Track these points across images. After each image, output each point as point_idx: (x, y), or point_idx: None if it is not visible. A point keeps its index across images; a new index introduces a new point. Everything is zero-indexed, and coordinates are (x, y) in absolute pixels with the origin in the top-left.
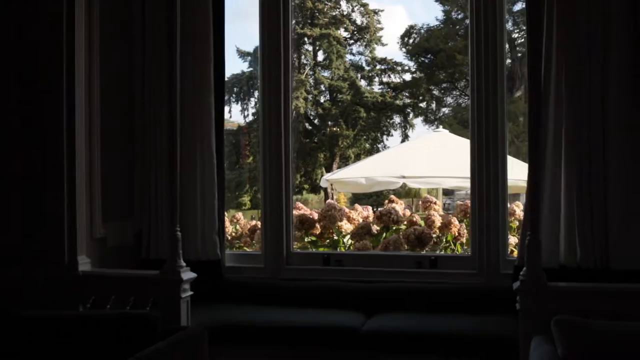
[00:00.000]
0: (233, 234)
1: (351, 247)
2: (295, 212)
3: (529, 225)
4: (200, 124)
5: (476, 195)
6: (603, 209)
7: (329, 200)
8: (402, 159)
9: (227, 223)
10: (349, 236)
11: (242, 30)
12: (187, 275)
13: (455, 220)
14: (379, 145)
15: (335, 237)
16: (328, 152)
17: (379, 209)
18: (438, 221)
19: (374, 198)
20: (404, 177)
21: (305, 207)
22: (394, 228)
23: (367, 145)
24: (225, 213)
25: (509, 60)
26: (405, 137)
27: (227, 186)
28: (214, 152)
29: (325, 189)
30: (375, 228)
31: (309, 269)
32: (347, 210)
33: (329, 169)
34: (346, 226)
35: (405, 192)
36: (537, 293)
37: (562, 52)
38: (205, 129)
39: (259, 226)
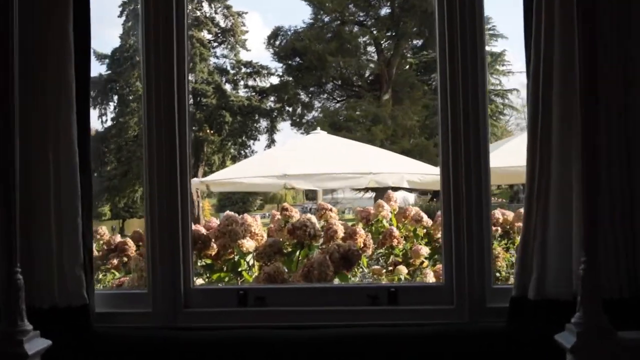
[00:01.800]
0: (96, 252)
1: (255, 271)
2: None
3: (573, 239)
4: (55, 130)
5: (450, 198)
6: None
7: (228, 212)
8: (283, 159)
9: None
10: (251, 257)
11: (98, 33)
12: (36, 345)
13: (360, 229)
14: (246, 151)
15: (237, 259)
16: (193, 157)
17: (292, 222)
18: (340, 231)
19: (240, 205)
20: (286, 175)
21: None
22: (310, 245)
23: (233, 151)
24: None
25: None
26: (272, 142)
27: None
28: (75, 160)
29: (191, 196)
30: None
31: (218, 312)
32: (248, 221)
33: (194, 176)
34: (248, 243)
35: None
36: (603, 351)
37: None
38: (64, 135)
39: (130, 245)
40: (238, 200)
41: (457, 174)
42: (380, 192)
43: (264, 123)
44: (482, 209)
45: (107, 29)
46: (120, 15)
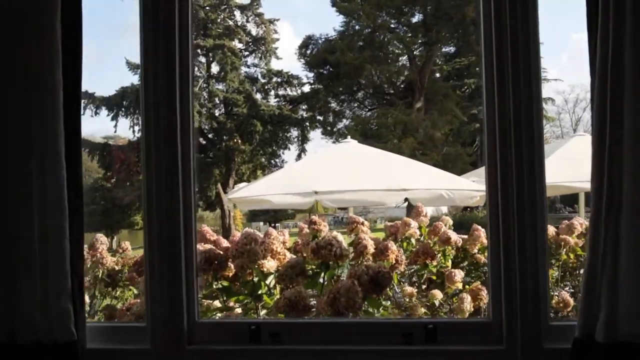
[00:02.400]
0: (115, 267)
1: (277, 293)
2: (200, 246)
3: None
4: (39, 140)
5: (498, 220)
6: None
7: (247, 230)
8: (312, 173)
9: (106, 257)
10: (272, 278)
11: (133, 43)
12: None
13: (392, 245)
14: (277, 160)
15: (256, 280)
16: (224, 167)
17: (316, 240)
18: (371, 247)
19: (271, 214)
20: (316, 192)
21: (210, 231)
22: (336, 265)
23: (264, 160)
24: (101, 243)
25: None
26: (302, 151)
27: (118, 205)
28: (62, 175)
29: (222, 206)
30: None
31: (226, 350)
32: (272, 236)
33: (224, 185)
34: (269, 264)
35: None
36: None
37: None
38: (49, 146)
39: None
40: (269, 210)
41: (506, 193)
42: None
43: (294, 132)
44: (537, 232)
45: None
46: None
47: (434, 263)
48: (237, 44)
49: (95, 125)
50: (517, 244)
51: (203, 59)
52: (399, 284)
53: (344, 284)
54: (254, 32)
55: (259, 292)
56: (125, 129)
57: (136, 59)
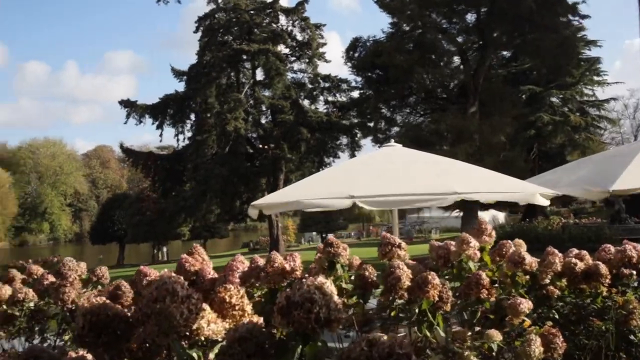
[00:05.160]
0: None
1: None
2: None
3: None
4: None
5: None
6: None
7: (165, 272)
8: (349, 175)
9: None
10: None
11: (178, 55)
12: None
13: (433, 278)
14: (325, 168)
15: None
16: (271, 176)
17: (286, 294)
18: (406, 278)
19: (322, 224)
20: (352, 197)
21: (192, 260)
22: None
23: (314, 170)
24: None
25: None
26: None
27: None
28: None
29: (269, 217)
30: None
31: None
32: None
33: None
34: (212, 328)
35: (354, 216)
36: None
37: None
38: None
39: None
40: (321, 220)
41: None
42: (468, 212)
43: (344, 140)
44: None
45: (187, 44)
46: (195, 31)
47: (492, 299)
48: (283, 49)
49: (141, 134)
50: None
51: (248, 65)
52: (443, 327)
53: None
54: (299, 37)
55: None
56: (170, 138)
57: (181, 65)
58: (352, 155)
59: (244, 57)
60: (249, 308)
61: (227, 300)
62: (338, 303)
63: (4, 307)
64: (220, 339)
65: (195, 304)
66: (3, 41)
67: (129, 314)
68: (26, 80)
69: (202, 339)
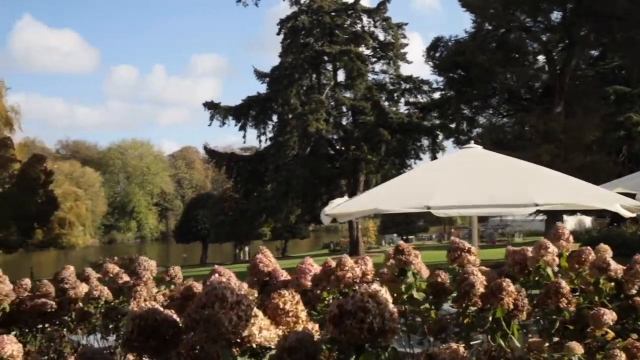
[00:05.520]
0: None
1: None
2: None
3: None
4: None
5: None
6: None
7: (215, 279)
8: (425, 182)
9: None
10: None
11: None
12: None
13: (507, 285)
14: (406, 170)
15: None
16: (352, 177)
17: (338, 301)
18: (480, 285)
19: (403, 226)
20: (428, 207)
21: (265, 259)
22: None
23: (394, 172)
24: None
25: None
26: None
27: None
28: None
29: (349, 221)
30: None
31: None
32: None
33: (352, 196)
34: (262, 335)
35: (436, 218)
36: None
37: None
38: None
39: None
40: (401, 222)
41: None
42: (552, 216)
43: (425, 141)
44: None
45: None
46: (278, 33)
47: (572, 308)
48: (365, 50)
49: (225, 135)
50: None
51: (329, 66)
52: (518, 336)
53: None
54: (381, 37)
55: None
56: (253, 139)
57: (264, 67)
58: (434, 157)
59: (326, 58)
60: (303, 315)
61: (281, 306)
62: (393, 312)
63: (80, 304)
64: (273, 346)
65: (245, 311)
66: (95, 46)
67: (177, 319)
68: (115, 84)
69: (254, 346)
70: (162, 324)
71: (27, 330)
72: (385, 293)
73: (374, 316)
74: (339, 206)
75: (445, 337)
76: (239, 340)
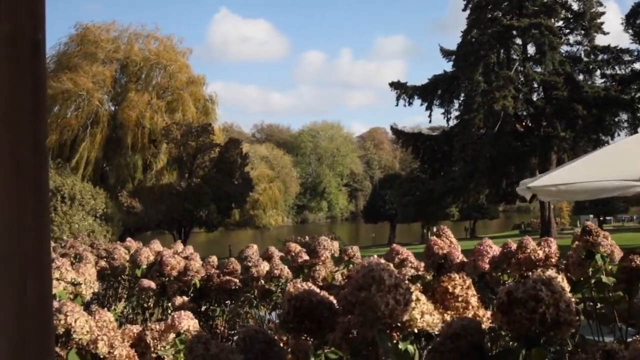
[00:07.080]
0: None
1: None
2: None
3: None
4: None
5: None
6: None
7: (373, 259)
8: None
9: None
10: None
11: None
12: None
13: None
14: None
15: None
16: (543, 156)
17: (512, 287)
18: None
19: (600, 207)
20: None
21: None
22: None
23: (589, 150)
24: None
25: None
26: None
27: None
28: None
29: (540, 200)
30: None
31: None
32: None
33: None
34: (424, 319)
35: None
36: None
37: None
38: None
39: None
40: (598, 202)
41: None
42: None
43: (624, 116)
44: None
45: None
46: (464, 9)
47: None
48: (556, 22)
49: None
50: None
51: (518, 40)
52: None
53: None
54: (575, 7)
55: None
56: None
57: (450, 45)
58: (634, 133)
59: (514, 32)
60: (474, 300)
61: (450, 290)
62: (569, 302)
63: (262, 282)
64: (437, 332)
65: (403, 294)
66: (285, 34)
67: (334, 302)
68: (305, 69)
69: (415, 331)
70: (317, 305)
71: (216, 305)
72: (562, 281)
73: (547, 306)
74: (542, 179)
75: (637, 326)
76: (399, 325)
